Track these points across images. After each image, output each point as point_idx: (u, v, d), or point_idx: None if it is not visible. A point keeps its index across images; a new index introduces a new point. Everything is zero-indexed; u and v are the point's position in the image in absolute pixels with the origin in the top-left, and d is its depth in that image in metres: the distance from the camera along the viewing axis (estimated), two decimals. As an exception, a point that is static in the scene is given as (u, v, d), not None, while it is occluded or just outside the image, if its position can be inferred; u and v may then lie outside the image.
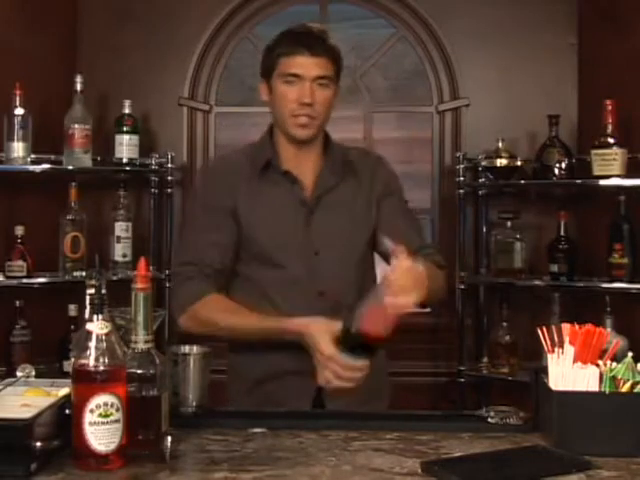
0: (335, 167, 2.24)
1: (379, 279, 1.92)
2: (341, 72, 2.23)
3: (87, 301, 1.71)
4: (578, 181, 3.52)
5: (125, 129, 3.56)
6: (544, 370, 1.79)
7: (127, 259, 3.56)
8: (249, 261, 2.21)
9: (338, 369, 1.91)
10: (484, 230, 3.73)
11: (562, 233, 3.53)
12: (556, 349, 1.74)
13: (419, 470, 1.57)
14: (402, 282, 1.81)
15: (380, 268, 2.00)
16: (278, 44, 2.19)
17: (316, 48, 2.14)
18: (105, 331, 1.57)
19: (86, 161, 3.45)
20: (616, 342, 1.78)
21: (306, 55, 2.13)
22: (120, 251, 3.56)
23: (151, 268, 3.36)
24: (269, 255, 2.18)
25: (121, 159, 3.57)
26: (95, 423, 1.53)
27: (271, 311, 2.14)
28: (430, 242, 2.30)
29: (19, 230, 3.37)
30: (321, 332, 1.95)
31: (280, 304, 2.16)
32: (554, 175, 3.51)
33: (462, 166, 3.66)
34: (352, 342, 1.89)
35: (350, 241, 2.23)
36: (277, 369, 2.16)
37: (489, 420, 1.87)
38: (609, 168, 3.32)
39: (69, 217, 3.47)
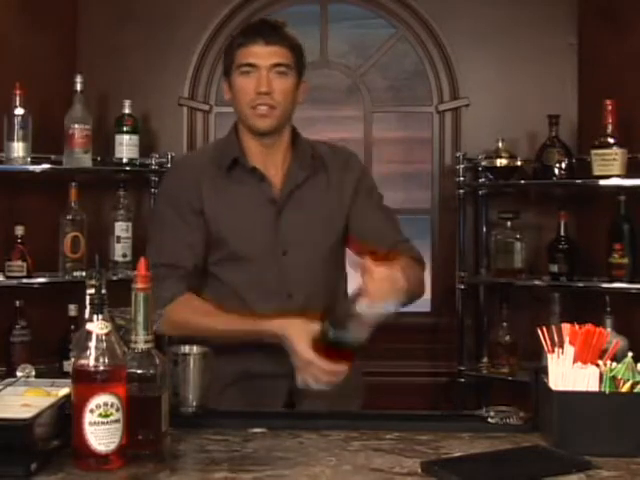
0: (304, 163, 2.21)
1: (354, 286, 1.90)
2: (303, 63, 2.21)
3: (87, 301, 1.71)
4: (578, 181, 3.52)
5: (125, 129, 3.56)
6: (544, 370, 1.79)
7: (127, 259, 3.55)
8: (218, 261, 2.19)
9: (317, 372, 1.91)
10: (484, 230, 3.73)
11: (562, 233, 3.53)
12: (556, 349, 1.74)
13: (419, 470, 1.57)
14: (379, 291, 1.81)
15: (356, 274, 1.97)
16: (235, 38, 2.20)
17: (271, 36, 2.14)
18: (105, 331, 1.57)
19: (86, 161, 3.45)
20: (616, 342, 1.78)
21: (261, 44, 2.13)
22: (120, 251, 3.56)
23: (151, 268, 3.36)
24: (237, 255, 2.16)
25: (121, 159, 3.57)
26: (95, 423, 1.53)
27: (243, 310, 2.12)
28: (406, 236, 2.25)
29: (19, 230, 3.37)
30: (299, 335, 1.94)
31: (251, 304, 2.14)
32: (554, 175, 3.51)
33: (462, 166, 3.66)
34: (331, 346, 1.89)
35: (320, 240, 2.20)
36: (248, 371, 2.15)
37: (489, 420, 1.87)
38: (609, 168, 3.32)
39: (69, 217, 3.47)
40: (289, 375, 2.07)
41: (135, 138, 3.57)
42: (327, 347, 1.90)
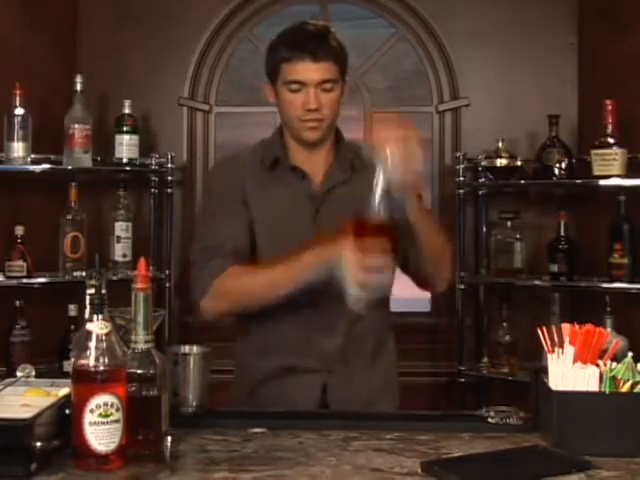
0: (345, 164, 2.23)
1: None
2: (347, 69, 2.20)
3: (87, 301, 1.71)
4: (578, 181, 3.52)
5: (125, 129, 3.56)
6: (544, 370, 1.79)
7: (127, 259, 3.56)
8: (260, 255, 2.19)
9: (360, 257, 1.88)
10: (484, 230, 3.73)
11: (562, 233, 3.53)
12: (556, 349, 1.74)
13: (419, 470, 1.57)
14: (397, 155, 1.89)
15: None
16: (279, 47, 2.16)
17: (318, 52, 2.11)
18: (105, 331, 1.57)
19: (86, 161, 3.45)
20: (616, 342, 1.78)
21: (308, 61, 2.10)
22: (120, 251, 3.57)
23: (151, 268, 3.37)
24: (272, 252, 2.17)
25: (121, 159, 3.57)
26: (95, 423, 1.53)
27: (285, 306, 2.12)
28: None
29: (19, 230, 3.37)
30: (333, 242, 1.95)
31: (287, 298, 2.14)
32: (554, 175, 3.51)
33: (462, 166, 3.66)
34: (370, 232, 1.89)
35: None
36: (281, 366, 2.15)
37: (489, 420, 1.87)
38: (609, 168, 3.32)
39: (69, 217, 3.47)
40: (323, 370, 2.11)
41: (135, 138, 3.58)
42: (365, 231, 1.89)
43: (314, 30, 2.17)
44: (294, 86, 2.12)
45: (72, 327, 3.31)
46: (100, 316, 1.57)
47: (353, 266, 1.90)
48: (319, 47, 2.11)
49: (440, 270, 2.20)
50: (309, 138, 2.17)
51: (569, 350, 1.72)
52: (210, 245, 2.16)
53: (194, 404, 1.88)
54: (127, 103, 3.58)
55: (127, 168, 3.58)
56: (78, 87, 3.45)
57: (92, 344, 1.56)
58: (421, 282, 2.26)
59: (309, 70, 2.11)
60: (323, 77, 2.11)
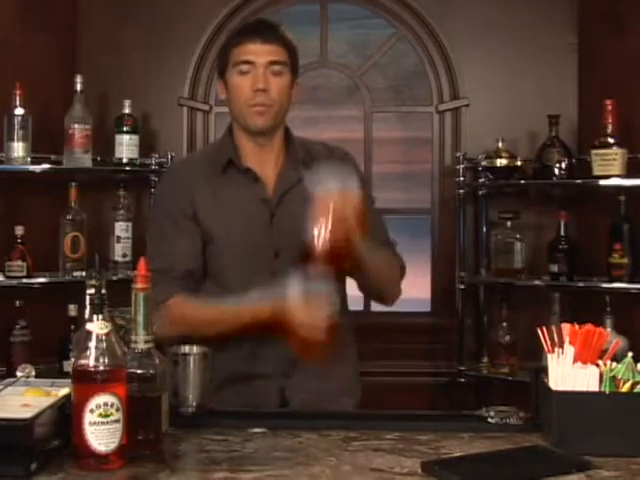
0: (297, 164, 2.21)
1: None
2: (297, 64, 2.21)
3: (87, 301, 1.71)
4: (578, 181, 3.52)
5: (125, 129, 3.56)
6: (544, 370, 1.79)
7: (127, 259, 3.55)
8: (214, 262, 2.19)
9: (308, 317, 1.91)
10: (484, 230, 3.73)
11: (562, 233, 3.52)
12: (556, 349, 1.74)
13: (419, 470, 1.57)
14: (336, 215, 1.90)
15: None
16: (229, 40, 2.21)
17: (267, 34, 2.15)
18: (105, 331, 1.57)
19: (86, 161, 3.45)
20: (616, 342, 1.78)
21: (257, 42, 2.14)
22: (120, 251, 3.56)
23: (151, 268, 3.36)
24: (230, 258, 2.17)
25: (121, 159, 3.56)
26: (95, 423, 1.53)
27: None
28: (392, 240, 2.29)
29: (19, 230, 3.36)
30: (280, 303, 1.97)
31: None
32: (554, 175, 3.50)
33: (462, 166, 3.66)
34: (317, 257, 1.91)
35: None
36: (239, 372, 2.14)
37: (489, 420, 1.87)
38: (609, 168, 3.32)
39: (69, 217, 3.47)
40: (278, 375, 2.12)
41: (135, 138, 3.57)
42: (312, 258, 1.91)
43: (265, 20, 2.26)
44: (244, 67, 2.14)
45: (72, 327, 3.31)
46: (100, 316, 1.58)
47: (302, 324, 1.93)
48: (269, 31, 2.17)
49: (388, 290, 2.23)
50: (257, 124, 2.16)
51: (569, 350, 1.72)
52: (157, 269, 2.08)
53: (194, 404, 1.88)
54: (127, 103, 3.57)
55: (127, 168, 3.58)
56: (78, 87, 3.45)
57: (92, 344, 1.56)
58: (371, 297, 2.29)
59: (258, 50, 2.14)
60: (272, 58, 2.14)
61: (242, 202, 2.18)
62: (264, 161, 2.21)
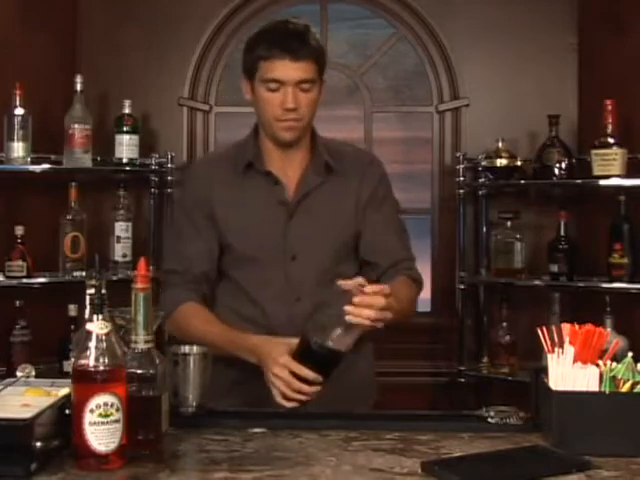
0: (321, 166, 2.20)
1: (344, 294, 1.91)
2: (325, 68, 2.18)
3: (87, 301, 1.71)
4: (578, 181, 3.52)
5: (125, 129, 3.56)
6: (544, 370, 1.79)
7: (127, 259, 3.55)
8: (230, 261, 2.21)
9: (288, 377, 1.90)
10: (484, 230, 3.73)
11: (562, 233, 3.52)
12: (556, 349, 1.74)
13: (419, 470, 1.57)
14: (364, 309, 1.83)
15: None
16: (258, 45, 2.13)
17: (297, 52, 2.09)
18: (105, 331, 1.57)
19: (86, 161, 3.45)
20: (616, 342, 1.78)
21: (287, 60, 2.08)
22: (120, 251, 3.56)
23: (151, 268, 3.35)
24: (245, 257, 2.18)
25: (121, 159, 3.56)
26: (95, 423, 1.53)
27: (256, 313, 2.15)
28: (410, 254, 2.27)
29: (19, 230, 3.36)
30: (276, 346, 1.95)
31: (262, 304, 2.16)
32: (554, 175, 3.50)
33: (462, 166, 3.66)
34: (311, 357, 1.88)
35: (330, 246, 2.18)
36: (244, 375, 2.13)
37: (489, 420, 1.87)
38: (609, 168, 3.32)
39: (69, 217, 3.47)
40: None
41: (135, 138, 3.57)
42: (307, 355, 1.89)
43: (294, 29, 2.15)
44: (272, 85, 2.10)
45: (72, 327, 3.31)
46: (100, 316, 1.57)
47: (275, 381, 1.93)
48: (299, 47, 2.10)
49: (406, 318, 2.19)
50: (285, 138, 2.15)
51: (569, 350, 1.72)
52: (171, 269, 2.20)
53: (194, 404, 1.89)
54: (127, 103, 3.57)
55: (127, 168, 3.58)
56: (78, 87, 3.44)
57: (92, 344, 1.56)
58: None
59: (288, 69, 2.09)
60: (302, 77, 2.10)
61: (260, 204, 2.18)
62: (287, 164, 2.20)
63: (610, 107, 3.32)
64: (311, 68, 2.11)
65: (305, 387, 1.90)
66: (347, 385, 2.10)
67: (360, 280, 1.88)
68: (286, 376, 1.90)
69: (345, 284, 1.87)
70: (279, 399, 1.93)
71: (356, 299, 1.84)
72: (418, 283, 2.23)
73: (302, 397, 1.91)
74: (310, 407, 2.01)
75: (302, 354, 1.90)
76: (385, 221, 2.23)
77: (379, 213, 2.22)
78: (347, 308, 1.84)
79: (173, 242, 2.30)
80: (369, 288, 1.84)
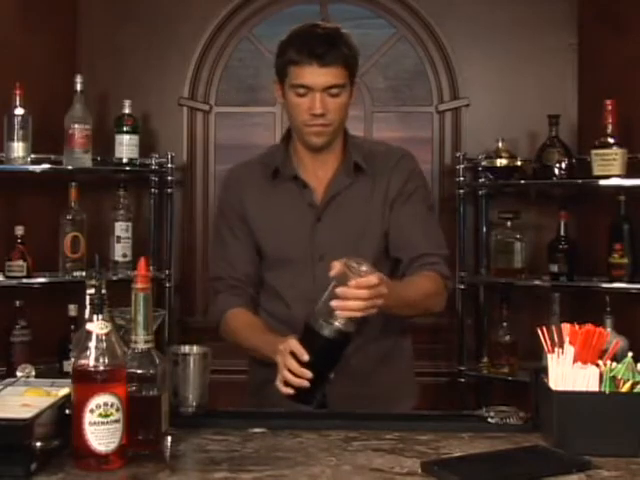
0: (350, 167, 2.20)
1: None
2: (356, 71, 2.17)
3: (87, 301, 1.71)
4: (578, 181, 3.52)
5: (125, 129, 3.56)
6: (544, 370, 1.79)
7: (127, 259, 3.56)
8: (264, 265, 2.24)
9: (286, 355, 1.88)
10: (484, 230, 3.73)
11: (562, 233, 3.52)
12: (556, 349, 1.74)
13: (419, 470, 1.57)
14: (351, 294, 1.82)
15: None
16: (288, 49, 2.12)
17: (325, 57, 2.07)
18: (105, 331, 1.57)
19: (86, 161, 3.45)
20: (616, 342, 1.78)
21: (315, 66, 2.07)
22: (120, 251, 3.57)
23: (151, 268, 3.37)
24: (274, 259, 2.20)
25: (121, 159, 3.57)
26: (95, 423, 1.53)
27: (287, 314, 2.16)
28: (440, 249, 2.23)
29: (19, 230, 3.37)
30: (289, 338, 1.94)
31: (291, 304, 2.17)
32: (554, 175, 3.50)
33: (462, 166, 3.66)
34: (311, 340, 1.87)
35: (359, 247, 2.15)
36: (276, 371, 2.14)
37: (489, 420, 1.87)
38: (609, 168, 3.32)
39: (69, 217, 3.47)
40: None
41: (135, 138, 3.58)
42: (307, 338, 1.88)
43: (323, 34, 2.12)
44: (300, 90, 2.10)
45: (72, 327, 3.31)
46: (100, 316, 1.57)
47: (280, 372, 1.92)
48: (327, 52, 2.08)
49: (428, 311, 2.21)
50: (314, 143, 2.16)
51: (569, 350, 1.72)
52: (216, 276, 2.25)
53: (194, 404, 1.88)
54: (127, 103, 3.58)
55: (127, 168, 3.58)
56: (78, 87, 3.45)
57: (92, 344, 1.56)
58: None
59: (315, 75, 2.08)
60: (329, 82, 2.09)
61: (289, 207, 2.19)
62: (318, 167, 2.21)
63: (610, 107, 3.32)
64: (340, 73, 2.10)
65: (303, 370, 1.87)
66: (384, 384, 2.12)
67: (350, 263, 1.85)
68: (286, 353, 1.89)
69: (334, 270, 1.85)
70: (278, 383, 1.92)
71: (339, 290, 1.82)
72: (443, 277, 2.19)
73: (298, 381, 1.87)
74: (340, 407, 2.03)
75: (303, 337, 1.89)
76: (411, 215, 2.20)
77: (406, 207, 2.19)
78: (333, 303, 1.82)
79: (215, 249, 2.32)
80: (353, 282, 1.83)
